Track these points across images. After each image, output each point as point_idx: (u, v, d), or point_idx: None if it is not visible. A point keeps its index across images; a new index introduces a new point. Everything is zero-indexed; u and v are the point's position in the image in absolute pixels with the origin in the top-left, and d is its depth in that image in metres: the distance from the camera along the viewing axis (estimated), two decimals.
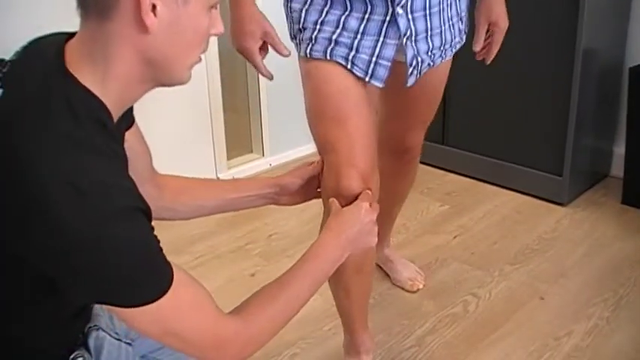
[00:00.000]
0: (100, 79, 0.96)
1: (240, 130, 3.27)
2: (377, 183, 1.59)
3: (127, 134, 1.16)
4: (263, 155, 3.26)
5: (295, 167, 1.58)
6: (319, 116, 1.55)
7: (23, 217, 0.89)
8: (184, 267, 2.59)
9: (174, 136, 2.81)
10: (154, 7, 0.94)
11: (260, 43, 1.60)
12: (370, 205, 1.41)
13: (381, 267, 2.33)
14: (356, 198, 1.48)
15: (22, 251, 0.91)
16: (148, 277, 0.95)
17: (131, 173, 1.12)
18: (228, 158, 3.12)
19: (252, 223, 2.70)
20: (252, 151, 3.30)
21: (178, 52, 1.00)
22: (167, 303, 0.97)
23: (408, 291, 2.28)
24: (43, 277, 0.94)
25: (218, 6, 1.04)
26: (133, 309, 0.96)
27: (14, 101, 0.95)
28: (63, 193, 0.87)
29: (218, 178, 3.03)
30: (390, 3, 1.47)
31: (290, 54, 1.61)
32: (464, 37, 1.72)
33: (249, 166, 3.20)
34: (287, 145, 3.31)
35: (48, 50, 0.99)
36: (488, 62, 1.80)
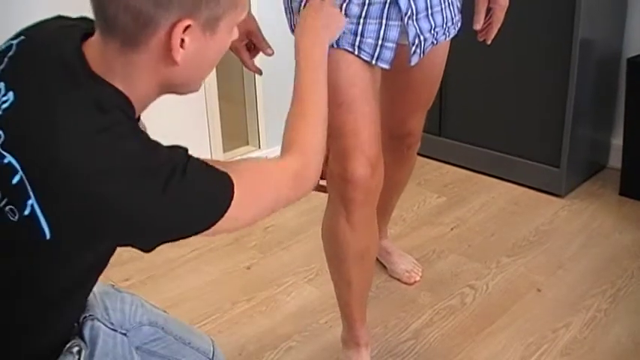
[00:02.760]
0: (124, 88, 0.97)
1: (237, 122, 3.25)
2: (382, 170, 1.60)
3: None
4: (259, 147, 3.25)
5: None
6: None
7: (97, 211, 0.91)
8: (180, 260, 2.59)
9: (170, 127, 2.78)
10: (182, 41, 0.94)
11: (245, 40, 1.62)
12: None
13: (378, 259, 2.32)
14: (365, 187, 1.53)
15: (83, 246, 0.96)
16: (214, 196, 1.03)
17: None
18: (224, 150, 3.10)
19: None
20: (248, 143, 3.28)
21: (198, 74, 1.04)
22: (240, 196, 1.04)
23: (404, 283, 2.27)
24: (110, 250, 1.02)
25: None
26: (224, 217, 1.03)
27: (41, 107, 0.93)
28: (126, 178, 0.92)
29: None
30: None
31: (273, 53, 1.63)
32: (460, 17, 1.71)
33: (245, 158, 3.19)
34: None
35: (63, 49, 0.98)
36: (489, 42, 1.79)
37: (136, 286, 2.17)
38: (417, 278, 2.29)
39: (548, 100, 2.75)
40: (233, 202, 1.03)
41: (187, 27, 0.93)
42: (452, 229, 2.63)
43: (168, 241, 1.02)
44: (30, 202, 0.90)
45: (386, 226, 2.32)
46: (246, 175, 1.08)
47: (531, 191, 2.88)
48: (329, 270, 1.75)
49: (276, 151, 3.23)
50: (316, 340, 2.01)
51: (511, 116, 2.89)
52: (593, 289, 2.22)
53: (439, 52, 1.74)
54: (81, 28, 1.01)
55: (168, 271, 2.29)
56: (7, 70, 0.99)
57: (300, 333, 2.04)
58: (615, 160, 2.97)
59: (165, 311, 1.40)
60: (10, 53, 1.01)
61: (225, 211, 1.03)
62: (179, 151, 1.01)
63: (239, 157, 3.16)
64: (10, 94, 0.95)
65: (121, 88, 0.96)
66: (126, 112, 0.97)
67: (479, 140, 3.02)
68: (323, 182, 1.58)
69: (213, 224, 1.03)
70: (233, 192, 1.03)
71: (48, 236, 0.91)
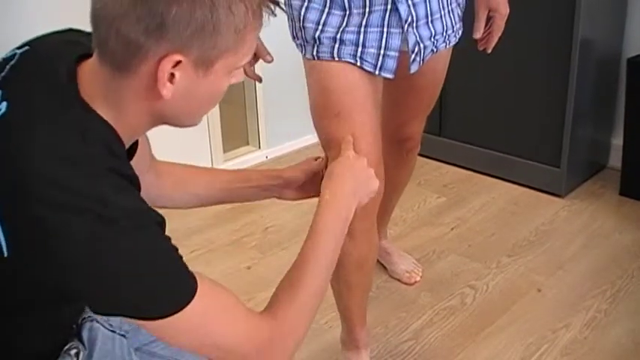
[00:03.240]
0: (112, 118, 0.95)
1: (237, 122, 3.25)
2: (382, 180, 1.57)
3: None
4: (259, 147, 3.25)
5: (300, 162, 1.53)
6: (324, 112, 1.54)
7: (43, 241, 0.87)
8: None
9: (170, 128, 2.79)
10: (172, 75, 0.91)
11: None
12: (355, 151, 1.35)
13: (378, 259, 2.32)
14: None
15: (39, 273, 0.90)
16: (169, 287, 0.94)
17: (134, 165, 1.11)
18: (224, 150, 3.10)
19: (248, 215, 2.68)
20: (248, 144, 3.28)
21: (192, 112, 1.01)
22: (194, 312, 0.95)
23: (405, 283, 2.27)
24: (58, 291, 0.93)
25: None
26: (159, 321, 0.93)
27: (24, 121, 0.92)
28: (81, 218, 0.86)
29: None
30: None
31: (273, 60, 1.61)
32: (461, 25, 1.71)
33: (246, 159, 3.19)
34: (283, 138, 3.30)
35: (58, 67, 0.96)
36: (489, 51, 1.78)
37: None
38: (417, 278, 2.29)
39: (548, 100, 2.74)
40: (189, 307, 0.94)
41: (178, 62, 0.90)
42: (452, 229, 2.63)
43: (117, 312, 0.95)
44: None
45: (386, 226, 2.32)
46: (214, 294, 1.00)
47: (531, 191, 2.88)
48: None
49: (275, 151, 3.26)
50: (316, 341, 2.01)
51: (511, 116, 2.88)
52: (593, 290, 2.22)
53: (441, 58, 1.73)
54: (84, 47, 0.98)
55: None
56: (7, 78, 0.99)
57: None
58: (615, 160, 2.97)
59: None
60: (13, 62, 1.00)
61: (182, 307, 0.93)
62: (152, 214, 0.95)
63: (239, 158, 3.16)
64: (4, 105, 0.94)
65: (110, 114, 0.94)
66: (109, 147, 0.94)
67: (479, 140, 3.02)
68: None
69: (168, 313, 0.93)
70: (194, 293, 0.95)
71: (5, 254, 0.89)
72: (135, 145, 1.12)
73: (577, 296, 2.19)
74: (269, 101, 3.18)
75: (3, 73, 0.99)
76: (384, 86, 1.65)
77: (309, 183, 1.49)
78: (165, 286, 0.93)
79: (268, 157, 3.25)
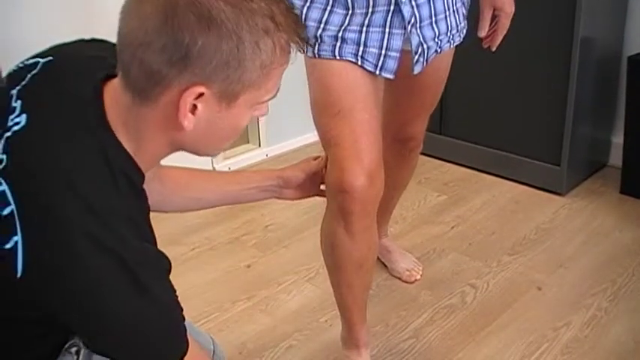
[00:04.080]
0: (134, 146, 0.94)
1: None
2: (382, 179, 1.57)
3: None
4: (259, 146, 3.25)
5: (300, 161, 1.54)
6: (324, 110, 1.54)
7: (60, 265, 0.87)
8: (180, 258, 2.59)
9: None
10: (194, 106, 0.90)
11: None
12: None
13: (378, 257, 2.32)
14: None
15: (44, 298, 0.90)
16: (164, 345, 0.96)
17: None
18: (224, 148, 3.09)
19: (248, 214, 2.68)
20: (248, 142, 3.28)
21: (212, 144, 0.99)
22: None
23: (405, 282, 2.27)
24: (55, 318, 0.93)
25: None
26: None
27: (45, 138, 0.90)
28: (96, 259, 0.86)
29: (214, 169, 3.01)
30: None
31: None
32: (465, 23, 1.70)
33: (246, 157, 3.18)
34: (284, 136, 3.29)
35: (84, 85, 0.94)
36: (494, 49, 1.78)
37: None
38: (418, 277, 2.28)
39: (548, 99, 2.74)
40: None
41: (201, 94, 0.89)
42: (452, 227, 2.62)
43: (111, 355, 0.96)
44: (15, 238, 0.87)
45: (386, 224, 2.32)
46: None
47: (532, 189, 2.87)
48: (328, 275, 1.73)
49: (275, 149, 3.25)
50: (316, 339, 2.01)
51: (512, 115, 2.88)
52: (593, 288, 2.22)
53: (444, 57, 1.72)
54: (109, 64, 0.96)
55: None
56: (27, 88, 0.97)
57: (301, 331, 2.04)
58: (616, 158, 2.96)
59: None
60: (35, 71, 0.99)
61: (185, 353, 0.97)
62: (164, 261, 0.96)
63: (239, 156, 3.16)
64: (24, 117, 0.92)
65: (130, 141, 0.94)
66: (129, 178, 0.93)
67: (479, 139, 3.02)
68: (323, 187, 1.55)
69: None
70: (183, 356, 0.97)
71: (19, 274, 0.88)
72: None
73: (577, 295, 2.19)
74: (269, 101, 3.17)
75: (24, 82, 0.98)
76: (387, 85, 1.64)
77: (309, 182, 1.50)
78: (161, 343, 0.95)
79: (268, 156, 3.24)
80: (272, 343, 1.99)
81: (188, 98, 0.88)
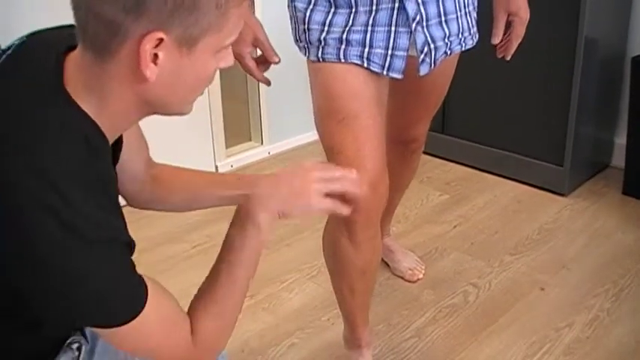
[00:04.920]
0: (95, 108, 0.93)
1: (239, 118, 3.24)
2: (386, 185, 1.54)
3: (125, 131, 1.13)
4: (262, 143, 3.24)
5: None
6: (328, 116, 1.50)
7: (15, 237, 0.86)
8: (181, 256, 2.58)
9: (172, 123, 2.78)
10: (155, 56, 0.89)
11: (250, 48, 1.55)
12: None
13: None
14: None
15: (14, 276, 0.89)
16: (117, 303, 0.94)
17: (126, 169, 1.12)
18: (227, 146, 3.09)
19: None
20: (250, 139, 3.28)
21: (178, 96, 0.97)
22: (138, 325, 0.96)
23: (407, 281, 2.27)
24: (11, 293, 0.92)
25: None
26: (104, 329, 0.96)
27: (3, 112, 0.91)
28: (42, 221, 0.85)
29: (216, 167, 3.01)
30: None
31: (280, 61, 1.57)
32: (476, 29, 1.65)
33: (248, 154, 3.18)
34: (286, 134, 3.29)
35: (47, 57, 0.95)
36: (508, 58, 1.74)
37: None
38: (420, 276, 2.28)
39: (552, 99, 2.74)
40: (141, 314, 0.96)
41: (160, 41, 0.88)
42: (455, 226, 2.62)
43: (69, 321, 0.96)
44: None
45: (389, 224, 2.32)
46: (155, 315, 0.99)
47: (534, 190, 2.87)
48: (331, 280, 1.73)
49: (278, 146, 3.25)
50: (318, 337, 2.01)
51: (515, 114, 2.88)
52: (596, 289, 2.21)
53: (450, 61, 1.68)
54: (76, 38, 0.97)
55: (170, 268, 2.28)
56: (1, 68, 0.98)
57: (303, 330, 2.04)
58: (618, 159, 2.96)
59: None
60: (9, 52, 1.00)
61: (137, 314, 0.95)
62: (116, 224, 0.95)
63: (242, 154, 3.16)
64: None
65: (93, 105, 0.93)
66: (89, 142, 0.92)
67: (482, 138, 3.02)
68: None
69: (127, 319, 0.95)
70: (145, 302, 0.96)
71: None
72: (120, 143, 1.10)
73: (580, 295, 2.18)
74: (271, 97, 3.17)
75: None
76: (390, 87, 1.61)
77: None
78: (114, 302, 0.93)
79: (270, 153, 3.24)
80: (274, 341, 1.99)
81: (147, 45, 0.87)
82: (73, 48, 0.96)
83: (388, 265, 2.32)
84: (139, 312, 0.95)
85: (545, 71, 2.72)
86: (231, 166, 3.08)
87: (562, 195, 2.81)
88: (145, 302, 0.96)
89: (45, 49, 0.97)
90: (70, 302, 0.90)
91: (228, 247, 1.17)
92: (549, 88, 2.73)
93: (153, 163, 1.32)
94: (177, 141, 2.74)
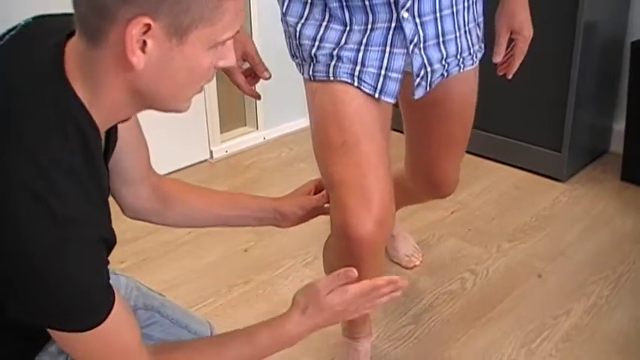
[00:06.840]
0: (90, 97, 0.91)
1: (234, 103, 3.21)
2: (393, 216, 1.44)
3: (123, 129, 1.10)
4: (257, 128, 3.22)
5: (299, 193, 1.45)
6: (326, 142, 1.41)
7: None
8: (176, 242, 2.56)
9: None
10: (144, 43, 0.86)
11: (240, 61, 1.51)
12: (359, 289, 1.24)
13: None
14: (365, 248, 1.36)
15: None
16: (80, 310, 0.92)
17: (122, 170, 1.12)
18: (222, 132, 3.07)
19: None
20: (245, 125, 3.25)
21: (170, 90, 0.94)
22: (95, 337, 0.94)
23: (404, 267, 2.25)
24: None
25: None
26: (61, 332, 0.93)
27: (1, 94, 0.90)
28: (27, 208, 0.84)
29: (211, 153, 2.98)
30: (394, 7, 1.34)
31: (271, 77, 1.54)
32: (482, 46, 1.58)
33: (243, 139, 3.15)
34: (281, 119, 3.26)
35: (48, 42, 0.93)
36: (510, 76, 1.67)
37: (132, 268, 2.12)
38: (417, 263, 2.26)
39: (550, 84, 2.71)
40: (102, 325, 0.93)
41: (148, 28, 0.85)
42: (452, 212, 2.60)
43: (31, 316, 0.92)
44: None
45: (394, 214, 2.27)
46: (115, 332, 0.97)
47: (533, 175, 2.85)
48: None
49: (273, 132, 3.22)
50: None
51: (513, 100, 2.85)
52: (594, 275, 2.20)
53: (469, 79, 1.58)
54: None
55: (165, 254, 2.26)
56: (3, 47, 0.96)
57: None
58: (617, 145, 2.94)
59: (161, 294, 1.37)
60: (13, 32, 0.98)
61: (100, 322, 0.93)
62: (100, 220, 0.93)
63: (236, 139, 3.13)
64: None
65: (87, 92, 0.91)
66: (81, 130, 0.91)
67: (480, 124, 2.95)
68: (327, 205, 1.45)
69: (92, 325, 0.93)
70: (109, 311, 0.94)
71: None
72: (114, 139, 1.09)
73: (578, 282, 2.17)
74: (266, 82, 3.12)
75: (2, 42, 0.97)
76: (408, 117, 1.53)
77: (308, 215, 1.44)
78: (77, 309, 0.91)
79: (266, 139, 3.21)
80: None
81: (134, 31, 0.84)
82: (74, 34, 0.94)
83: (386, 249, 2.30)
84: (104, 318, 0.94)
85: (544, 56, 2.69)
86: (226, 151, 3.05)
87: (560, 181, 2.80)
88: (105, 317, 0.94)
89: (48, 33, 0.96)
90: (33, 295, 0.88)
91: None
92: (548, 73, 2.71)
93: (154, 172, 1.31)
94: (172, 126, 2.71)
